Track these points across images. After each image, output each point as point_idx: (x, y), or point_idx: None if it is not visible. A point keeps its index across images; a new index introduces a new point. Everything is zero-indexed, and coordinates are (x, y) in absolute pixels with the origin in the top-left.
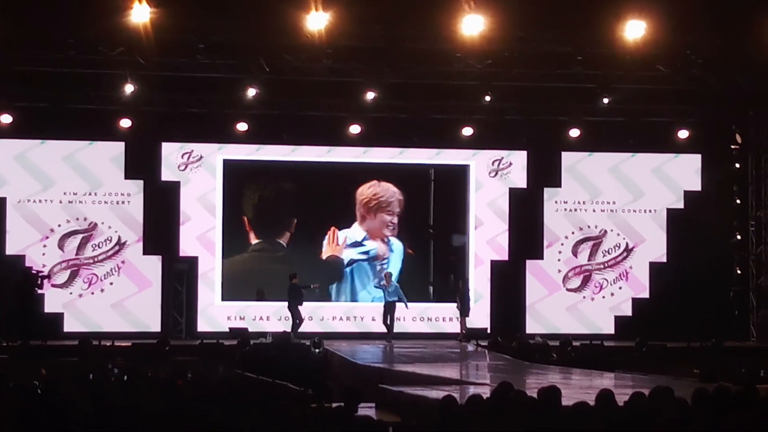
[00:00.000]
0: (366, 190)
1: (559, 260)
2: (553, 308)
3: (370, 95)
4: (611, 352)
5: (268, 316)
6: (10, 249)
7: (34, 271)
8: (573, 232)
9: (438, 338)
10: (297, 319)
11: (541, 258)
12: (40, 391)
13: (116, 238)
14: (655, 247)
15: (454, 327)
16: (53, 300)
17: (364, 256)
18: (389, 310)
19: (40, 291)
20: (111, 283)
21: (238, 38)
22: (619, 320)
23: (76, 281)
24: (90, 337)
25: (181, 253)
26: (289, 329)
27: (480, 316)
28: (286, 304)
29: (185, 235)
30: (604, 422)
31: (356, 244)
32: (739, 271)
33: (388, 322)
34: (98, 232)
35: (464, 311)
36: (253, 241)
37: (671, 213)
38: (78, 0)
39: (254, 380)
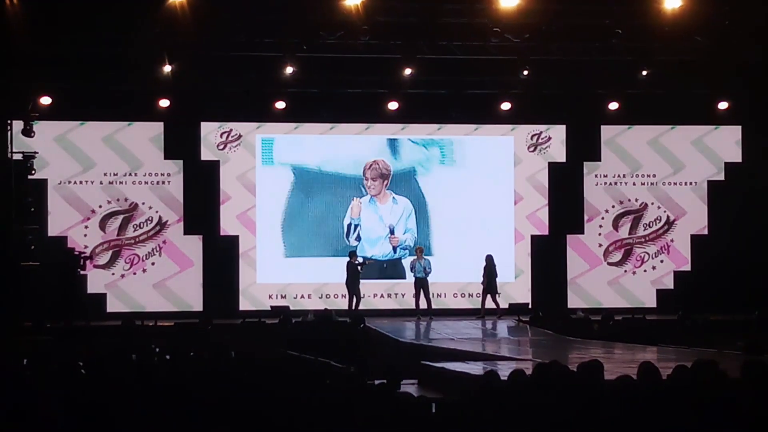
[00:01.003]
0: None
1: (599, 234)
2: (594, 282)
3: (407, 71)
4: (653, 326)
5: (309, 294)
6: (52, 230)
7: (76, 253)
8: (613, 206)
9: (479, 313)
10: (355, 296)
11: (582, 232)
12: (84, 372)
13: (157, 218)
14: (696, 219)
15: (490, 303)
16: (96, 281)
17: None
18: (422, 285)
19: (82, 272)
20: (153, 263)
21: (276, 16)
22: (661, 294)
23: (118, 262)
24: (132, 317)
25: (222, 233)
26: (329, 307)
27: (521, 292)
28: (326, 282)
29: (226, 215)
30: (647, 396)
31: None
32: None
33: (426, 297)
34: (139, 213)
35: (492, 288)
36: None
37: (712, 185)
38: None
39: (297, 358)
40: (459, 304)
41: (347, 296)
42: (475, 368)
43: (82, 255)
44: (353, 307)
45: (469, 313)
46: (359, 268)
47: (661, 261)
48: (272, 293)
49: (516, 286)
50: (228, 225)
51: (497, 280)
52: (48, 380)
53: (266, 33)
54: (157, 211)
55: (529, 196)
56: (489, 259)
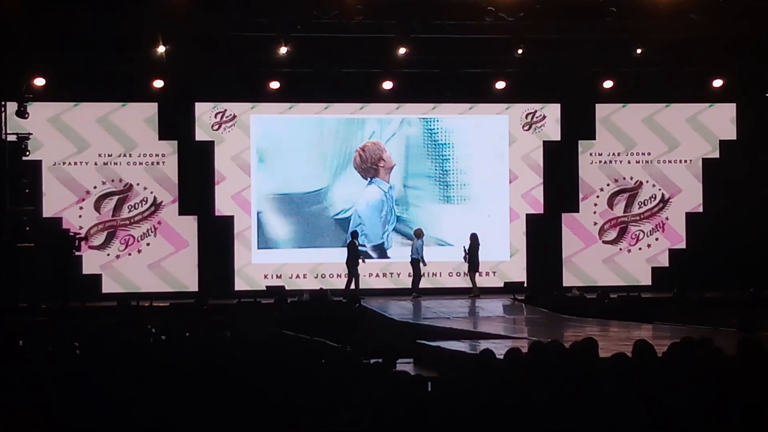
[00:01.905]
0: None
1: (594, 213)
2: (589, 261)
3: (401, 51)
4: (648, 304)
5: (304, 274)
6: (47, 212)
7: (71, 234)
8: (608, 184)
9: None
10: (354, 276)
11: (577, 211)
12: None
13: (152, 198)
14: (691, 197)
15: (491, 281)
16: (91, 262)
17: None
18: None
19: (77, 253)
20: (148, 244)
21: None
22: (656, 271)
23: (113, 242)
24: (128, 297)
25: (217, 213)
26: (324, 287)
27: (516, 270)
28: (323, 261)
29: (220, 195)
30: (642, 373)
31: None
32: None
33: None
34: (134, 194)
35: (474, 267)
36: None
37: (707, 163)
38: None
39: (293, 338)
40: (454, 283)
41: (347, 276)
42: (471, 347)
43: (77, 236)
44: (355, 287)
45: (464, 292)
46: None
47: (656, 239)
48: (267, 273)
49: (511, 264)
50: (223, 205)
51: (478, 259)
52: (44, 361)
53: (260, 13)
54: (151, 192)
55: (524, 175)
56: (473, 238)
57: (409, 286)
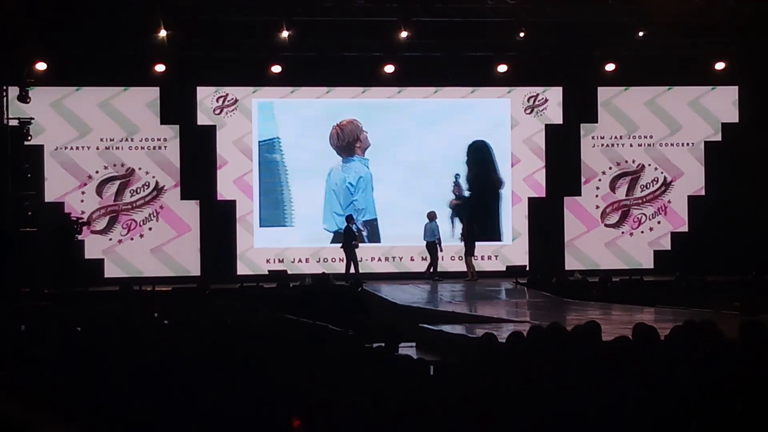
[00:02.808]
0: None
1: (597, 196)
2: (591, 244)
3: (403, 34)
4: (651, 287)
5: (306, 258)
6: (49, 196)
7: (73, 218)
8: (610, 168)
9: (479, 277)
10: (352, 259)
11: (579, 194)
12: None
13: (154, 183)
14: (693, 180)
15: (493, 265)
16: (93, 246)
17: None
18: (432, 248)
19: (79, 237)
20: (150, 229)
21: None
22: (659, 255)
23: (116, 227)
24: (130, 282)
25: (219, 197)
26: (327, 271)
27: (519, 254)
28: (324, 245)
29: (222, 179)
30: (644, 357)
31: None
32: None
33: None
34: (136, 178)
35: (470, 251)
36: None
37: (709, 146)
38: None
39: (295, 322)
40: (456, 267)
41: (344, 260)
42: (473, 331)
43: (79, 220)
44: (355, 271)
45: (464, 275)
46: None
47: (659, 222)
48: (270, 257)
49: (513, 248)
50: (225, 190)
51: (474, 242)
52: (47, 346)
53: None
54: (153, 177)
55: (526, 159)
56: (468, 222)
57: (412, 270)
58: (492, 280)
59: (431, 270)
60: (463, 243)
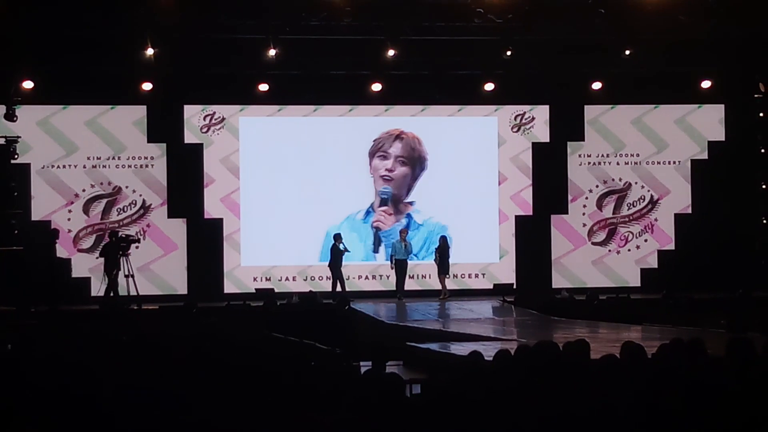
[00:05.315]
0: None
1: (584, 214)
2: (578, 262)
3: (390, 53)
4: (638, 305)
5: (294, 277)
6: (36, 215)
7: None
8: (597, 186)
9: (464, 295)
10: (338, 278)
11: (566, 212)
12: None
13: (141, 201)
14: (680, 198)
15: (480, 283)
16: (80, 265)
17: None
18: (402, 267)
19: (58, 244)
20: (137, 247)
21: None
22: (645, 273)
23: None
24: (121, 301)
25: (206, 216)
26: (314, 289)
27: (506, 272)
28: (311, 264)
29: (209, 198)
30: (631, 375)
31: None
32: (765, 221)
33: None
34: (123, 196)
35: (444, 269)
36: None
37: (695, 164)
38: None
39: (282, 340)
40: (428, 285)
41: (331, 278)
42: (461, 349)
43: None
44: (342, 289)
45: (452, 294)
46: (342, 252)
47: (645, 240)
48: (257, 276)
49: (500, 266)
50: (212, 208)
51: (449, 261)
52: (33, 365)
53: (249, 15)
54: (140, 195)
55: (513, 177)
56: (442, 240)
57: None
58: (479, 298)
59: (399, 288)
60: (437, 261)
